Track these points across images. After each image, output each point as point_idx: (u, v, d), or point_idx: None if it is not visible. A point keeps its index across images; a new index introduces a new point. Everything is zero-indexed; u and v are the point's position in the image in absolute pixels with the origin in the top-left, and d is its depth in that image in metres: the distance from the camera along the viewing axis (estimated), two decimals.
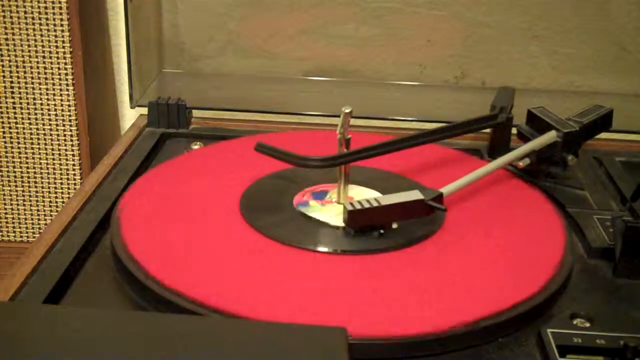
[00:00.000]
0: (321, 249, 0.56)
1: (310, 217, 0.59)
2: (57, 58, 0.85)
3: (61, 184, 0.90)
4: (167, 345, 0.42)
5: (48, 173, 0.90)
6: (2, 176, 0.90)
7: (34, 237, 0.92)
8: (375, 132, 0.80)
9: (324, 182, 0.65)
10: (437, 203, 0.57)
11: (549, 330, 0.49)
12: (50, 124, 0.88)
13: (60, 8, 0.84)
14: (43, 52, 0.85)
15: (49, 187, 0.90)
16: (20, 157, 0.89)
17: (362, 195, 0.62)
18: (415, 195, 0.57)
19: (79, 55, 0.85)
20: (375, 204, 0.56)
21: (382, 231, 0.57)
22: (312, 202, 0.62)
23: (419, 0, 0.89)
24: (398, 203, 0.56)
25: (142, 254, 0.54)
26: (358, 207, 0.55)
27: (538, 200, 0.65)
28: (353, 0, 0.89)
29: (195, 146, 0.77)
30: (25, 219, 0.92)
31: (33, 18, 0.84)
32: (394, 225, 0.57)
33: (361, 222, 0.56)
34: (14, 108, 0.87)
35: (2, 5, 0.84)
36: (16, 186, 0.90)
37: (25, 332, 0.43)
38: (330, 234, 0.57)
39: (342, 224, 0.57)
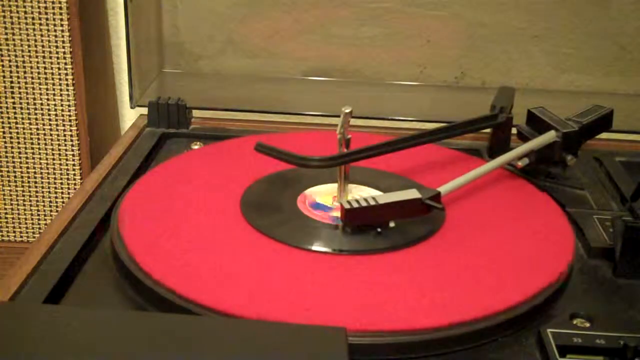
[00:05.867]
0: (321, 248, 0.56)
1: (309, 217, 0.59)
2: (57, 58, 0.85)
3: (61, 184, 0.90)
4: (167, 345, 0.42)
5: (48, 173, 0.90)
6: (2, 176, 0.90)
7: (34, 237, 0.92)
8: (375, 132, 0.80)
9: (324, 182, 0.65)
10: (435, 202, 0.57)
11: (549, 330, 0.49)
12: (50, 124, 0.88)
13: (60, 8, 0.84)
14: (43, 52, 0.85)
15: (49, 187, 0.90)
16: (20, 157, 0.89)
17: (362, 195, 0.62)
18: (412, 194, 0.57)
19: (79, 55, 0.85)
20: (372, 203, 0.56)
21: (379, 230, 0.57)
22: (312, 202, 0.62)
23: (419, 0, 0.89)
24: (395, 202, 0.56)
25: (142, 254, 0.54)
26: (355, 205, 0.55)
27: (539, 200, 0.65)
28: (353, 0, 0.89)
29: (195, 146, 0.77)
30: (25, 219, 0.92)
31: (33, 18, 0.84)
32: (392, 224, 0.57)
33: (359, 221, 0.56)
34: (14, 108, 0.87)
35: (2, 5, 0.84)
36: (16, 186, 0.90)
37: (25, 332, 0.43)
38: (330, 233, 0.57)
39: (341, 223, 0.57)
